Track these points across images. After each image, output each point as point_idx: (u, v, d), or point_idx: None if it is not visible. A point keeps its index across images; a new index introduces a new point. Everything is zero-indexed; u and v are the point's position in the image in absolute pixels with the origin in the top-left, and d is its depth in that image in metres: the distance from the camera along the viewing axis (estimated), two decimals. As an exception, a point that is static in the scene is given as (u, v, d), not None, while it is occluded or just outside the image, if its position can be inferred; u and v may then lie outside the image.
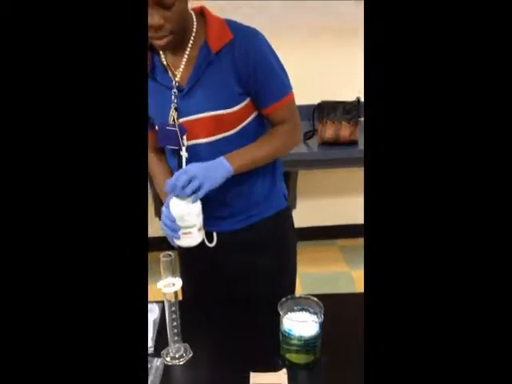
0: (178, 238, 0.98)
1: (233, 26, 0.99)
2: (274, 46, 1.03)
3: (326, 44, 2.32)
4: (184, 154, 1.04)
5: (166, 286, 0.87)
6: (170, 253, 0.86)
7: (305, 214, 2.45)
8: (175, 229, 0.97)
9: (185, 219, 0.95)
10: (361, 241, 2.76)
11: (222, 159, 0.99)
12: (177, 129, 1.02)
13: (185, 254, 1.19)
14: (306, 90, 2.34)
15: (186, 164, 1.04)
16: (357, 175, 2.62)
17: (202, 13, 1.02)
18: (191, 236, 0.98)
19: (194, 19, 1.00)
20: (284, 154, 1.12)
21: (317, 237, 2.71)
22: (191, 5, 0.99)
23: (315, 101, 2.16)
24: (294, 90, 1.07)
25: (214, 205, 1.06)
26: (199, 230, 0.99)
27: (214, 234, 1.14)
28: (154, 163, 1.16)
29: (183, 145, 1.03)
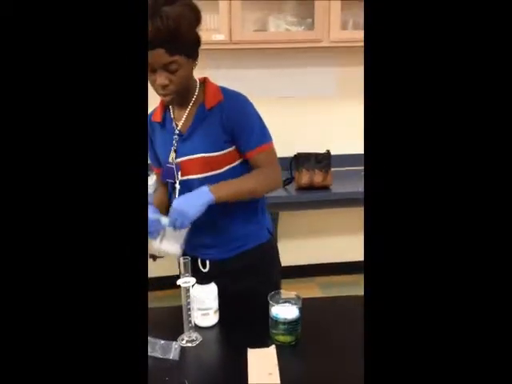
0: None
1: (225, 90, 1.30)
2: (260, 106, 1.34)
3: (299, 105, 2.74)
4: (177, 186, 1.33)
5: (183, 282, 1.15)
6: (187, 257, 1.16)
7: (285, 253, 2.74)
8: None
9: (204, 302, 1.22)
10: (336, 278, 3.04)
11: (205, 188, 1.22)
12: (174, 166, 1.33)
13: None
14: (284, 144, 2.73)
15: (179, 194, 1.31)
16: (331, 216, 2.95)
17: (204, 81, 1.33)
18: (208, 317, 1.23)
19: (198, 85, 1.31)
20: (264, 192, 1.36)
21: (296, 275, 2.96)
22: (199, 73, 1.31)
23: (292, 153, 2.53)
24: (275, 145, 1.35)
25: (201, 233, 1.32)
26: (215, 312, 1.24)
27: (207, 262, 1.41)
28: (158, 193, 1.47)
29: (177, 179, 1.33)
